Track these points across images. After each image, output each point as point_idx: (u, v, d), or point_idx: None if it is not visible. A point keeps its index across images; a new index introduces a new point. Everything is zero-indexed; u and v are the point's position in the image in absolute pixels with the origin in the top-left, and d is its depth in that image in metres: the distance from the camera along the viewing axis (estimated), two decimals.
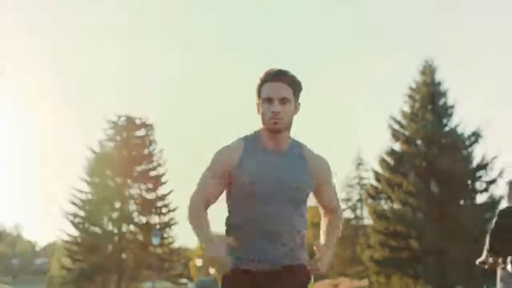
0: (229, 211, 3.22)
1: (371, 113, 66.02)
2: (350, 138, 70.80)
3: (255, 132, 3.23)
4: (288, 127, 3.15)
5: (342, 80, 75.84)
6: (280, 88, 3.08)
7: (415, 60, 46.91)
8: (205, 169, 3.22)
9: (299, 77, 3.20)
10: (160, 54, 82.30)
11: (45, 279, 49.51)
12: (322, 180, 3.22)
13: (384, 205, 31.41)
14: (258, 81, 3.17)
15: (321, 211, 3.36)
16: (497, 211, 6.13)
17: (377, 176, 31.55)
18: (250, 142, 3.17)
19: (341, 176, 41.06)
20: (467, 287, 28.97)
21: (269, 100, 3.08)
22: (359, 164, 41.69)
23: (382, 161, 31.12)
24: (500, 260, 5.90)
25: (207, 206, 3.19)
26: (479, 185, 30.18)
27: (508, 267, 5.77)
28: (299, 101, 3.21)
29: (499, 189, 29.43)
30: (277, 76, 3.11)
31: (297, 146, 3.21)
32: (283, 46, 79.71)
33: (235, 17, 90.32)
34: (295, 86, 3.14)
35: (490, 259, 5.93)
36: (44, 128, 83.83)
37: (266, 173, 3.09)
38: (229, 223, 3.22)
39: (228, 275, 3.08)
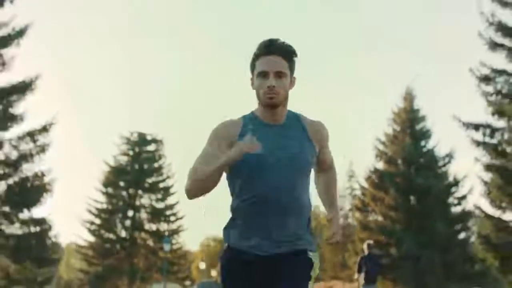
0: (234, 192, 3.18)
1: (364, 128, 72.43)
2: (344, 149, 77.02)
3: (252, 111, 3.23)
4: (284, 101, 3.14)
5: (340, 91, 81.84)
6: (275, 62, 3.08)
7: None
8: (205, 145, 3.15)
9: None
10: (168, 75, 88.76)
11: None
12: (322, 145, 3.28)
13: (369, 217, 37.14)
14: (252, 55, 3.15)
15: (315, 170, 3.41)
16: None
17: (363, 191, 37.35)
18: (248, 118, 3.19)
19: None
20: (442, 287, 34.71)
21: (264, 74, 3.08)
22: (351, 176, 47.35)
23: (368, 178, 36.85)
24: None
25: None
26: (452, 200, 35.86)
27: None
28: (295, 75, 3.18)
29: (469, 204, 35.08)
30: (272, 49, 3.10)
31: (294, 116, 3.24)
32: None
33: (235, 20, 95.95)
34: (291, 59, 3.13)
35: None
36: (60, 142, 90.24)
37: (268, 144, 3.08)
38: (235, 205, 3.17)
39: (226, 261, 3.17)
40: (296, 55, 3.16)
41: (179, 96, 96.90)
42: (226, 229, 3.21)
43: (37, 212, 22.72)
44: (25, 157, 21.75)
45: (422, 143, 36.63)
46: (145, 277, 42.54)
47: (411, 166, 35.82)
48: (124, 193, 42.98)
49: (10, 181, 21.63)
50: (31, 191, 21.86)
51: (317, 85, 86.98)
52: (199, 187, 3.01)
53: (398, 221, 35.49)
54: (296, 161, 3.11)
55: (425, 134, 36.78)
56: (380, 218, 36.40)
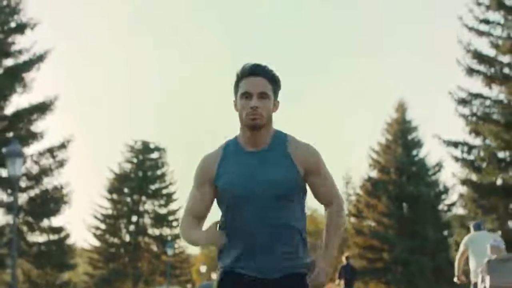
0: (221, 224, 3.19)
1: (363, 135, 75.27)
2: (342, 155, 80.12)
3: (236, 136, 3.21)
4: (267, 124, 3.12)
5: (338, 96, 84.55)
6: (259, 83, 3.08)
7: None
8: (192, 186, 3.25)
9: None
10: (171, 85, 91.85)
11: None
12: (309, 171, 3.12)
13: (363, 222, 39.81)
14: (235, 77, 3.16)
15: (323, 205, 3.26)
16: None
17: (358, 198, 40.02)
18: (229, 146, 3.18)
19: None
20: None
21: (247, 95, 3.08)
22: (347, 182, 49.84)
23: (362, 186, 39.53)
24: None
25: (201, 219, 3.25)
26: (441, 207, 38.54)
27: None
28: (279, 99, 3.18)
29: (458, 210, 37.74)
30: (256, 71, 3.11)
31: (281, 139, 3.17)
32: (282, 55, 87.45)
33: (235, 21, 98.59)
34: (275, 82, 3.14)
35: None
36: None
37: (241, 176, 3.08)
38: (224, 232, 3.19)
39: (222, 278, 3.16)
40: (279, 82, 3.17)
41: (182, 104, 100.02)
42: (220, 252, 3.23)
43: (56, 221, 25.19)
44: (45, 172, 24.36)
45: (414, 152, 39.30)
46: (149, 280, 44.79)
47: (403, 175, 38.47)
48: (128, 199, 45.40)
49: (32, 193, 24.20)
50: (50, 202, 24.50)
51: (315, 93, 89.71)
52: (188, 242, 3.25)
53: (390, 227, 38.13)
54: (276, 189, 3.05)
55: (417, 144, 39.45)
56: (373, 224, 39.03)
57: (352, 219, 40.46)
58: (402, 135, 39.02)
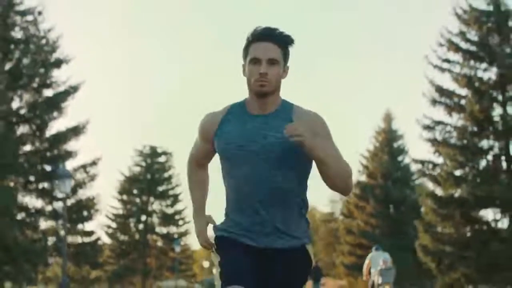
0: (223, 182, 3.32)
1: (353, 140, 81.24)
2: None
3: (245, 98, 3.30)
4: (275, 90, 3.18)
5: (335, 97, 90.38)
6: (268, 48, 3.13)
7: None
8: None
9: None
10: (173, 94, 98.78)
11: None
12: (314, 135, 3.09)
13: (353, 222, 46.02)
14: (245, 41, 3.21)
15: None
16: None
17: (348, 200, 46.25)
18: (235, 107, 3.29)
19: (326, 192, 55.89)
20: (414, 285, 43.56)
21: (256, 61, 3.13)
22: None
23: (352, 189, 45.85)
24: None
25: (201, 165, 3.51)
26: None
27: None
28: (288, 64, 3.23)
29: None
30: (265, 36, 3.15)
31: (287, 106, 3.25)
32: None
33: (234, 21, 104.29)
34: (285, 46, 3.19)
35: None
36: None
37: (240, 136, 3.18)
38: (225, 193, 3.32)
39: (221, 242, 3.25)
40: (292, 43, 3.21)
41: (184, 107, 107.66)
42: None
43: (88, 226, 31.52)
44: (79, 185, 30.52)
45: (399, 159, 45.45)
46: (157, 275, 50.01)
47: (389, 179, 44.61)
48: (137, 200, 50.41)
49: (69, 203, 30.36)
50: (84, 210, 30.75)
51: (312, 88, 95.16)
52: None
53: (377, 226, 44.28)
54: (274, 152, 3.11)
55: (402, 151, 45.60)
56: (362, 224, 45.19)
57: (343, 219, 46.67)
58: (388, 143, 45.16)
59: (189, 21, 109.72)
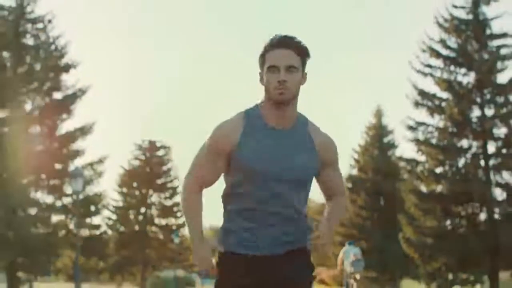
0: (228, 194, 3.34)
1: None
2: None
3: (257, 105, 3.32)
4: (294, 98, 3.24)
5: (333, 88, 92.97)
6: (287, 56, 3.18)
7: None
8: (202, 145, 3.33)
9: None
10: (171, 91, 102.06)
11: None
12: (328, 162, 3.36)
13: (346, 215, 48.99)
14: (262, 49, 3.24)
15: (325, 196, 3.55)
16: None
17: None
18: (252, 118, 3.28)
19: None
20: (403, 273, 46.62)
21: (275, 69, 3.18)
22: None
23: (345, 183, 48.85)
24: None
25: (201, 188, 3.37)
26: None
27: None
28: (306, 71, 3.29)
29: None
30: (284, 43, 3.21)
31: (303, 122, 3.34)
32: None
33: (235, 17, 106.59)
34: (303, 54, 3.25)
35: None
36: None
37: (266, 154, 3.20)
38: (228, 207, 3.36)
39: (223, 260, 3.30)
40: (309, 54, 3.27)
41: (183, 103, 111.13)
42: (223, 230, 3.37)
43: (96, 220, 34.59)
44: (87, 181, 33.46)
45: (389, 153, 48.41)
46: (156, 266, 52.33)
47: (379, 173, 47.56)
48: (137, 192, 52.29)
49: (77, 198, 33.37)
50: (91, 205, 33.75)
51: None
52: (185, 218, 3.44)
53: (368, 219, 47.30)
54: (293, 174, 3.22)
55: (392, 146, 48.57)
56: (353, 216, 48.19)
57: None
58: (379, 139, 48.14)
59: (190, 18, 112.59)
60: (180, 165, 73.93)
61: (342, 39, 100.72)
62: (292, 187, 3.27)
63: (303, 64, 3.27)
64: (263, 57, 3.26)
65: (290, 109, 3.26)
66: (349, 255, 21.24)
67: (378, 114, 48.93)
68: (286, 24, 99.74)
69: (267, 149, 3.25)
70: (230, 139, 3.25)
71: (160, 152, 54.58)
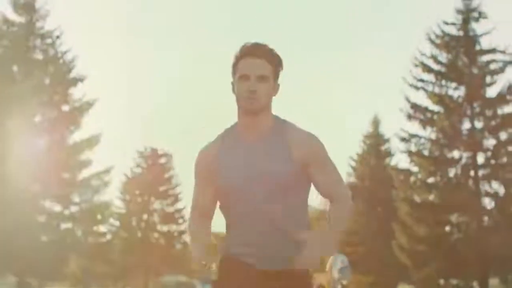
0: (222, 213, 3.39)
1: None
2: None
3: (236, 122, 3.31)
4: (265, 108, 3.21)
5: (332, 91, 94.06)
6: (258, 65, 3.15)
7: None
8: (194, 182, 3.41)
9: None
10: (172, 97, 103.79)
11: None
12: (308, 160, 3.21)
13: None
14: (233, 58, 3.22)
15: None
16: None
17: None
18: (228, 137, 3.30)
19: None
20: (399, 279, 48.31)
21: (245, 78, 3.16)
22: None
23: None
24: None
25: (202, 215, 3.42)
26: None
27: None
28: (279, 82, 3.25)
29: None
30: (255, 52, 3.17)
31: (280, 127, 3.27)
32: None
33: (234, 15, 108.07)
34: (275, 63, 3.21)
35: None
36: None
37: (237, 169, 3.21)
38: (226, 223, 3.39)
39: (224, 263, 3.25)
40: (281, 63, 3.23)
41: (183, 109, 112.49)
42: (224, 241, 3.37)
43: (102, 227, 36.52)
44: (94, 191, 35.32)
45: (386, 161, 50.18)
46: (158, 271, 53.20)
47: (376, 181, 49.30)
48: (139, 199, 53.70)
49: (84, 207, 35.09)
50: (98, 213, 35.60)
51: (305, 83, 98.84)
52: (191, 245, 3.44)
53: (365, 225, 49.06)
54: (269, 183, 3.17)
55: (388, 154, 50.36)
56: (351, 223, 49.85)
57: None
58: (376, 147, 49.93)
59: (191, 24, 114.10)
60: (182, 172, 75.82)
61: (341, 41, 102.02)
62: (268, 197, 3.22)
63: (275, 73, 3.26)
64: (234, 66, 3.25)
65: (262, 118, 3.25)
66: (336, 262, 22.99)
67: (375, 122, 50.71)
68: (286, 24, 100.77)
69: (238, 163, 3.25)
70: (209, 162, 3.31)
71: (162, 160, 55.94)
